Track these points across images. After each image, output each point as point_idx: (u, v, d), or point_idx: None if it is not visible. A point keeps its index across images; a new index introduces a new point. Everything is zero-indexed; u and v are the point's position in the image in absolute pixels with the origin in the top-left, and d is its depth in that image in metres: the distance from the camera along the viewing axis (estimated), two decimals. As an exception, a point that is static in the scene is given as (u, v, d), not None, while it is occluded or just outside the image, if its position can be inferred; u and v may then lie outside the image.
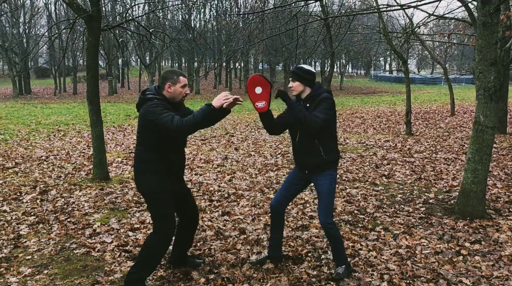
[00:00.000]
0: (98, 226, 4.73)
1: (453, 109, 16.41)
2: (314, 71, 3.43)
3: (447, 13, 10.27)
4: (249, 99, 3.27)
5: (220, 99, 2.92)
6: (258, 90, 3.23)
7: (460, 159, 8.21)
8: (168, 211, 3.29)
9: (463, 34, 11.63)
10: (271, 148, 9.83)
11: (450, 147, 9.54)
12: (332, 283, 3.39)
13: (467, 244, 4.13)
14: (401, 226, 4.67)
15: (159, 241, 3.28)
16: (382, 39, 14.28)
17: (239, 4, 35.74)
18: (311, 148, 3.38)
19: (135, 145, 3.34)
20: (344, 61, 48.09)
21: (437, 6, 8.26)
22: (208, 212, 5.27)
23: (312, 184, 3.60)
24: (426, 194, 5.92)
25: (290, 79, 3.43)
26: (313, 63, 58.03)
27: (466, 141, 10.15)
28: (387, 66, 67.06)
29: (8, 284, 3.47)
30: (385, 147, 9.68)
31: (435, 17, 9.23)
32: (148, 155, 3.22)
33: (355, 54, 39.53)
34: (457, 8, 13.06)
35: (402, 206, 5.40)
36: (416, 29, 12.06)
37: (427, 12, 9.04)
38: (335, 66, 43.60)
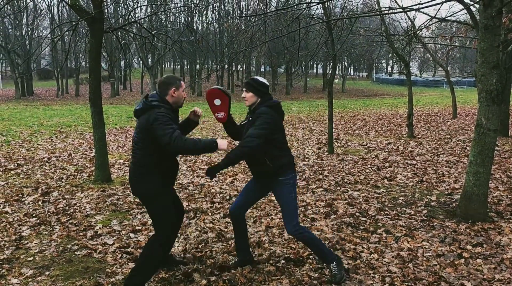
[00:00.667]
0: (99, 228, 4.74)
1: (455, 111, 16.39)
2: (268, 84, 3.50)
3: (449, 16, 10.26)
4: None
5: (225, 145, 3.16)
6: (217, 102, 3.43)
7: (462, 161, 8.20)
8: (171, 213, 3.31)
9: (465, 37, 11.63)
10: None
11: (452, 150, 9.53)
12: None
13: (469, 247, 4.13)
14: (403, 229, 4.66)
15: (161, 243, 3.30)
16: (384, 42, 14.28)
17: (241, 6, 35.86)
18: (256, 158, 3.40)
19: (133, 150, 3.30)
20: (346, 63, 48.10)
21: (439, 9, 8.28)
22: (210, 214, 5.27)
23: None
24: (428, 196, 5.91)
25: (244, 89, 3.49)
26: (315, 65, 58.20)
27: (468, 143, 10.14)
28: (389, 69, 67.05)
29: (10, 285, 3.48)
30: (386, 150, 9.67)
31: (437, 20, 9.23)
32: (149, 159, 3.22)
33: (357, 56, 39.50)
34: (459, 11, 13.02)
35: (404, 208, 5.40)
36: (418, 32, 12.06)
37: (429, 15, 9.04)
38: (337, 69, 43.60)
